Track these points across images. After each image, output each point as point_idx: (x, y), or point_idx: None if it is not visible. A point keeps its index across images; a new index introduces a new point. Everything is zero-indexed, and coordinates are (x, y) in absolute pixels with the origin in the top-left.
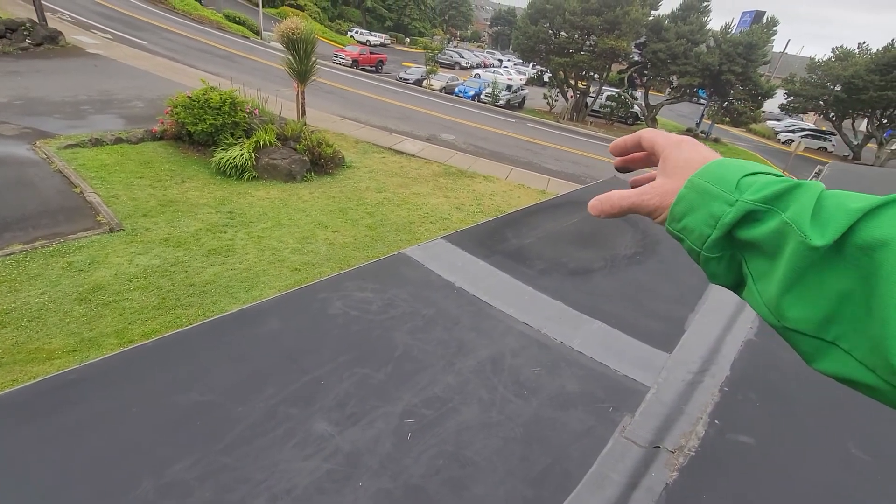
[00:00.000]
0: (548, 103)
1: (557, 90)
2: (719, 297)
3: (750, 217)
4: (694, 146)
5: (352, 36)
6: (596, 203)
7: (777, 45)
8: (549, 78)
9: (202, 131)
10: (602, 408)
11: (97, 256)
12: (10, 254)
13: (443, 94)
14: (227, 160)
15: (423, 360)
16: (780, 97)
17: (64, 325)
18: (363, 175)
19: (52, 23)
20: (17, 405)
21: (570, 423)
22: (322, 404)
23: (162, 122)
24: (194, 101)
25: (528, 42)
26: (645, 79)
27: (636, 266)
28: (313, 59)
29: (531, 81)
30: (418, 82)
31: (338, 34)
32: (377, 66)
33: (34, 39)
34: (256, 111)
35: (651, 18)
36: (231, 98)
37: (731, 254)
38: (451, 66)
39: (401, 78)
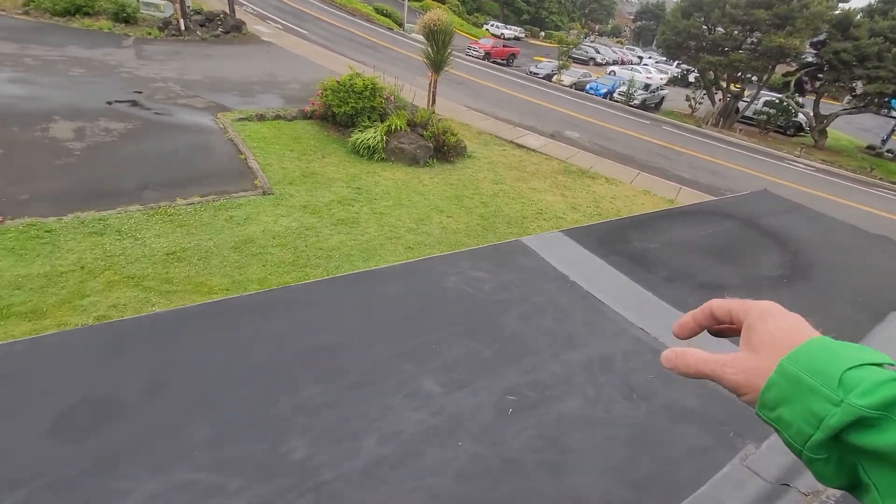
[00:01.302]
0: (690, 106)
1: (703, 92)
2: (887, 336)
3: (863, 423)
4: (780, 317)
5: (487, 29)
6: (671, 356)
7: None
8: (696, 78)
9: (344, 113)
10: (722, 431)
11: (251, 214)
12: (191, 203)
13: (573, 90)
14: (362, 141)
15: (530, 345)
16: None
17: (222, 268)
18: (482, 166)
19: (239, 14)
20: (209, 314)
21: (682, 437)
22: (432, 365)
23: (312, 103)
24: (341, 85)
25: (675, 38)
26: (818, 84)
27: (781, 289)
28: (449, 50)
29: (673, 81)
30: (548, 77)
31: (474, 27)
32: (508, 60)
33: (224, 28)
34: (392, 97)
35: (838, 12)
36: (372, 84)
37: (841, 456)
38: (584, 62)
39: (531, 72)
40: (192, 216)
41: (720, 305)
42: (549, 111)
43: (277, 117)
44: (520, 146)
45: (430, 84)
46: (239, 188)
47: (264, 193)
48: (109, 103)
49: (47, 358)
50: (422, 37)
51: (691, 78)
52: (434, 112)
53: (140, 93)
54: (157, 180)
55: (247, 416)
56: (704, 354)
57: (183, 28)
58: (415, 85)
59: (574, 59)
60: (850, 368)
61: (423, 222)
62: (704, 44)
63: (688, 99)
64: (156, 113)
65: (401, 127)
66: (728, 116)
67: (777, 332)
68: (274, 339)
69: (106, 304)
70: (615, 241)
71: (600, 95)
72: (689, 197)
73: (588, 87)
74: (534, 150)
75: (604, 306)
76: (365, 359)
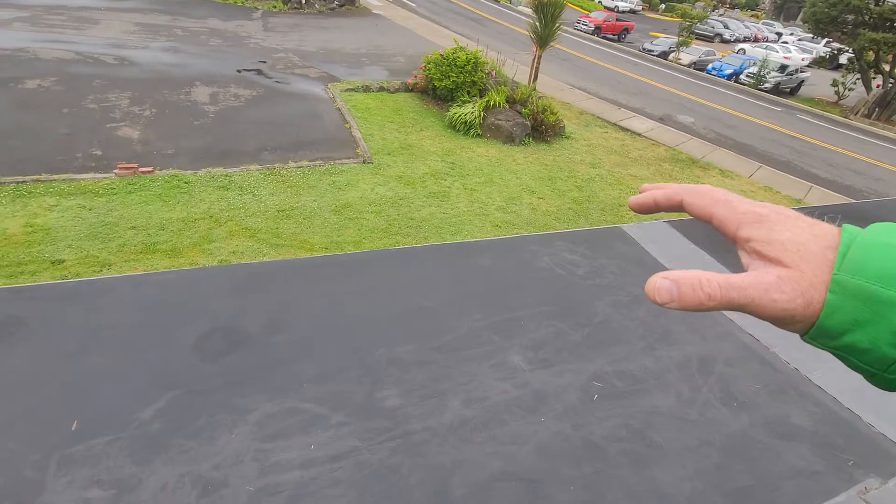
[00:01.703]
0: (837, 92)
1: (857, 76)
2: None
3: None
4: (787, 218)
5: (599, 1)
6: (668, 286)
7: None
8: (850, 59)
9: (445, 87)
10: (839, 458)
11: (351, 180)
12: (300, 166)
13: (691, 70)
14: (459, 116)
15: (621, 335)
16: None
17: (322, 228)
18: (580, 147)
19: None
20: (317, 268)
21: (787, 456)
22: (520, 342)
23: (415, 76)
24: (444, 59)
25: (828, 11)
26: None
27: None
28: (557, 24)
29: (818, 62)
30: (664, 55)
31: None
32: (620, 35)
33: (340, 1)
34: (493, 73)
35: None
36: (475, 58)
37: None
38: (709, 39)
39: (644, 49)
40: (301, 178)
41: (699, 207)
42: (661, 92)
43: (381, 89)
44: (624, 129)
45: (533, 59)
46: (342, 155)
47: (364, 162)
48: (239, 71)
49: (190, 288)
50: (529, 10)
51: (843, 59)
52: (535, 89)
53: (264, 62)
54: (273, 143)
55: (347, 361)
56: (733, 278)
57: (303, 1)
58: (517, 60)
59: (697, 35)
60: None
61: (513, 201)
62: (868, 17)
63: (835, 84)
64: (276, 81)
65: (499, 103)
66: (887, 106)
67: (802, 237)
68: (372, 295)
69: (227, 249)
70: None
71: (724, 77)
72: (821, 198)
73: (710, 66)
74: (639, 135)
75: None
76: (455, 325)
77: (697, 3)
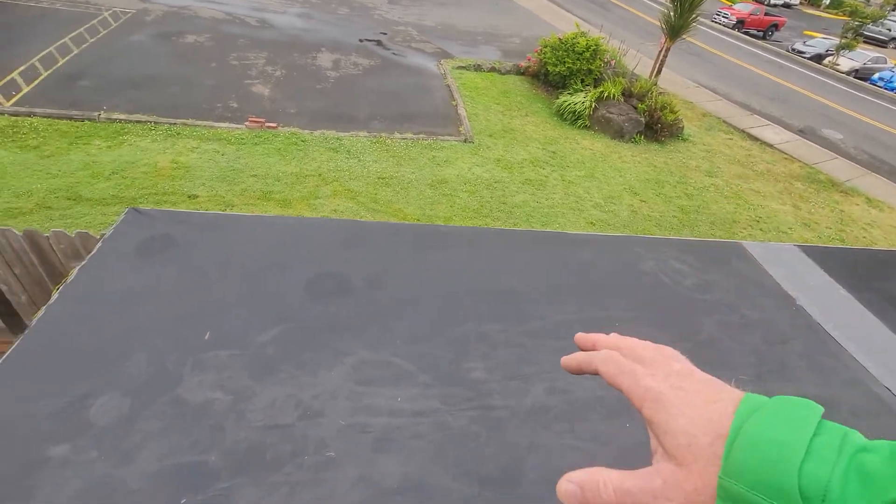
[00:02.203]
0: None
1: None
2: None
3: None
4: (683, 398)
5: None
6: (573, 490)
7: None
8: None
9: (558, 73)
10: None
11: (450, 158)
12: (405, 138)
13: (851, 78)
14: (569, 104)
15: (727, 359)
16: None
17: (416, 200)
18: (697, 152)
19: None
20: (416, 235)
21: None
22: None
23: (529, 59)
24: (563, 43)
25: None
26: None
27: None
28: (695, 14)
29: None
30: (818, 58)
31: None
32: (767, 31)
33: None
34: (613, 62)
35: None
36: (595, 45)
37: None
38: (881, 43)
39: (794, 49)
40: (403, 150)
41: (608, 377)
42: (806, 101)
43: (492, 69)
44: (753, 138)
45: (659, 51)
46: (445, 132)
47: (465, 141)
48: (361, 41)
49: (306, 235)
50: None
51: None
52: (656, 84)
53: (385, 34)
54: (382, 113)
55: (438, 327)
56: (625, 481)
57: None
58: (641, 51)
59: (866, 37)
60: (803, 462)
61: (613, 200)
62: None
63: None
64: (393, 53)
65: (614, 95)
66: None
67: (696, 423)
68: (466, 269)
69: (329, 207)
70: (873, 274)
71: (894, 90)
72: None
73: (877, 76)
74: (771, 146)
75: (836, 346)
76: (546, 313)
77: (874, 0)
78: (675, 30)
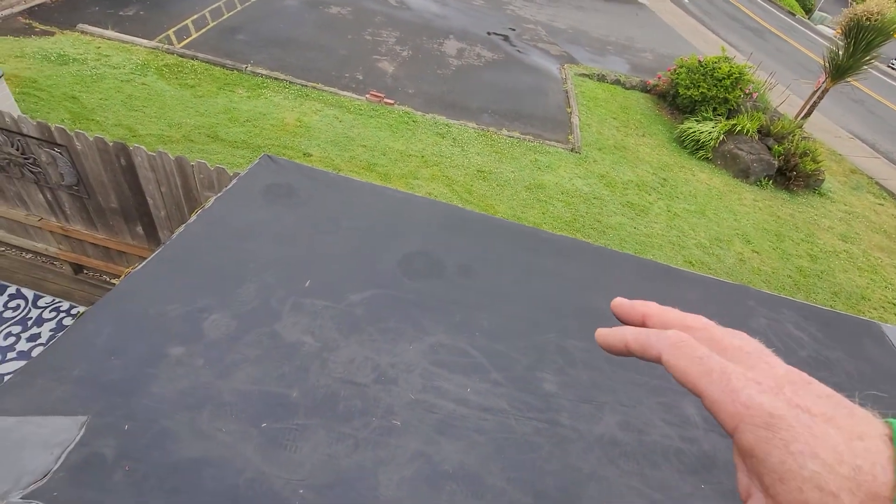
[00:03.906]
0: None
1: None
2: None
3: None
4: (825, 419)
5: None
6: None
7: None
8: None
9: (689, 97)
10: None
11: (552, 164)
12: (511, 136)
13: None
14: (692, 132)
15: None
16: None
17: (510, 200)
18: (833, 211)
19: None
20: (511, 232)
21: None
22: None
23: (659, 77)
24: (701, 66)
25: None
26: None
27: None
28: (870, 56)
29: None
30: None
31: None
32: None
33: None
34: (755, 95)
35: None
36: (739, 74)
37: None
38: None
39: None
40: (507, 147)
41: (683, 375)
42: None
43: (616, 82)
44: None
45: (814, 91)
46: (553, 137)
47: (572, 150)
48: (488, 34)
49: (408, 210)
50: (832, 31)
51: None
52: (801, 127)
53: (513, 30)
54: (494, 108)
55: (519, 329)
56: None
57: None
58: (792, 89)
59: None
60: None
61: (720, 244)
62: None
63: None
64: (518, 51)
65: (747, 131)
66: None
67: (830, 480)
68: (556, 278)
69: (425, 189)
70: None
71: None
72: None
73: None
74: None
75: None
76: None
77: None
78: (840, 70)
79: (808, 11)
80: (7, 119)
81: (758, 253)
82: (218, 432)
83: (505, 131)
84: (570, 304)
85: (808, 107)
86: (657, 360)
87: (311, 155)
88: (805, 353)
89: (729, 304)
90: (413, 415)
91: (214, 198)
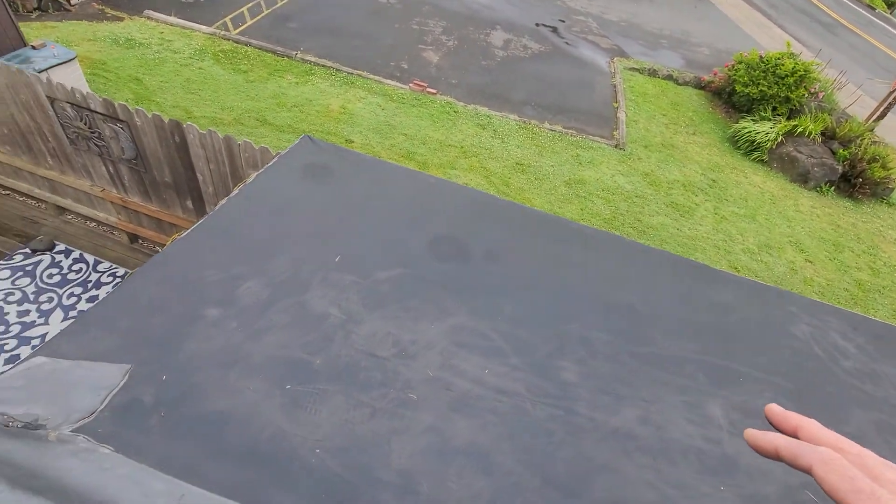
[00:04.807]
0: None
1: None
2: None
3: None
4: None
5: None
6: None
7: None
8: None
9: (746, 95)
10: None
11: (595, 160)
12: (553, 130)
13: None
14: (748, 132)
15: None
16: None
17: (548, 194)
18: None
19: None
20: (541, 222)
21: None
22: (731, 396)
23: (715, 73)
24: (763, 62)
25: None
26: None
27: None
28: None
29: None
30: None
31: None
32: None
33: None
34: (821, 94)
35: None
36: (804, 71)
37: None
38: None
39: None
40: (548, 141)
41: (834, 492)
42: None
43: (668, 77)
44: None
45: (891, 92)
46: (597, 133)
47: (616, 146)
48: (536, 25)
49: (440, 195)
50: None
51: None
52: (871, 130)
53: (563, 21)
54: (537, 100)
55: (542, 318)
56: None
57: None
58: (864, 89)
59: None
60: None
61: (770, 251)
62: None
63: None
64: (566, 43)
65: (810, 133)
66: None
67: None
68: (585, 270)
69: (462, 180)
70: None
71: None
72: None
73: None
74: None
75: None
76: (661, 342)
77: None
78: None
79: (891, 6)
80: (77, 95)
81: (812, 263)
82: (245, 389)
83: (547, 125)
84: (598, 297)
85: (882, 109)
86: (806, 471)
87: (353, 142)
88: (850, 365)
89: (768, 307)
90: (430, 390)
91: (255, 174)
